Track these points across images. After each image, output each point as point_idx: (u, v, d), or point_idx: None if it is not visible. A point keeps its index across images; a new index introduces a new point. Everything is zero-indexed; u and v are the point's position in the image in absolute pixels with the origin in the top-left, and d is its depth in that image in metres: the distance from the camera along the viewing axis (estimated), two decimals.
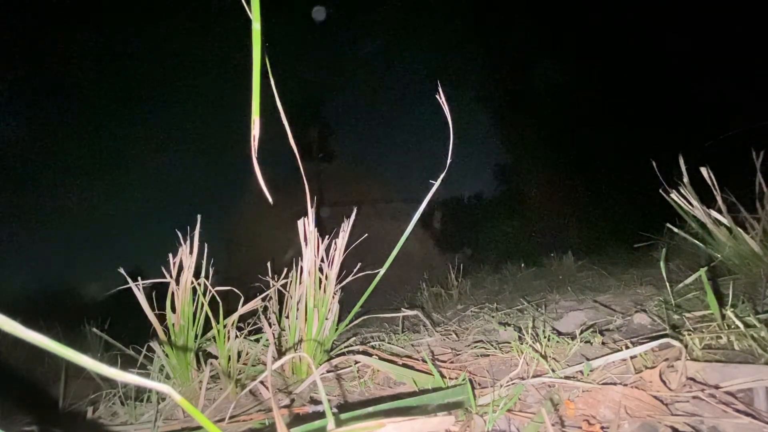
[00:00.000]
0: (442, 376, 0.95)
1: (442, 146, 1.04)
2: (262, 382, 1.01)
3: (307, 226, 1.20)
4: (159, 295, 1.21)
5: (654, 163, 1.95)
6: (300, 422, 0.64)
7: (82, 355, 0.31)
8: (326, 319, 1.22)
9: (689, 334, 0.97)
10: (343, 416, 0.67)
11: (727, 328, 0.96)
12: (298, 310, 1.19)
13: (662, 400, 0.73)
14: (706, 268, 1.05)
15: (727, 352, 0.89)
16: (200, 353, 1.21)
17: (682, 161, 1.80)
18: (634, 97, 6.71)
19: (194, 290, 1.21)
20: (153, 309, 1.18)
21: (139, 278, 1.21)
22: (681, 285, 1.46)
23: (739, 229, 1.64)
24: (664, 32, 6.38)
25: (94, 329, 1.51)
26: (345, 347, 1.32)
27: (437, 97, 0.96)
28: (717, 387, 0.73)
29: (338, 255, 1.29)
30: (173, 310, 1.18)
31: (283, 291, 1.31)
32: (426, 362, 1.03)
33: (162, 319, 1.17)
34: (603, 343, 1.11)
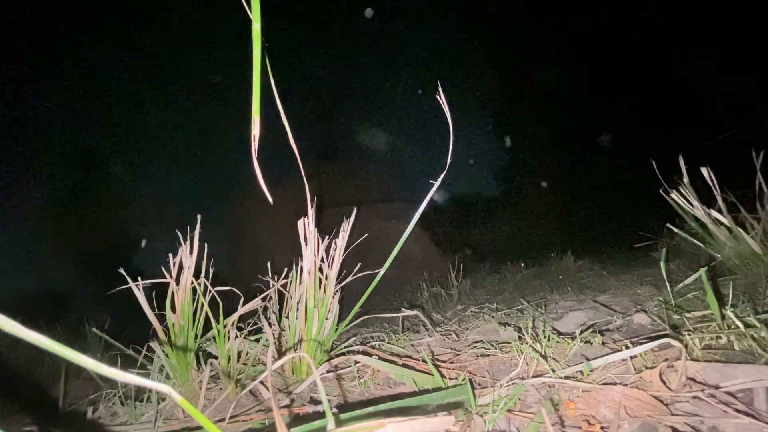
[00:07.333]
0: (442, 376, 0.95)
1: (442, 146, 1.04)
2: (262, 382, 1.01)
3: (307, 226, 1.20)
4: (159, 295, 1.21)
5: (654, 163, 1.95)
6: (300, 422, 0.64)
7: (82, 355, 0.31)
8: (326, 319, 1.22)
9: (689, 334, 0.97)
10: (343, 416, 0.67)
11: (727, 328, 0.96)
12: (298, 310, 1.19)
13: (662, 400, 0.73)
14: (706, 268, 1.05)
15: (727, 352, 0.89)
16: (200, 353, 1.21)
17: (682, 161, 1.80)
18: (634, 97, 6.71)
19: (194, 290, 1.21)
20: (153, 309, 1.18)
21: (139, 278, 1.21)
22: (681, 285, 1.46)
23: (739, 229, 1.64)
24: (664, 32, 6.37)
25: (94, 329, 1.50)
26: (345, 347, 1.32)
27: (438, 97, 0.96)
28: (717, 387, 0.73)
29: (338, 255, 1.29)
30: (173, 310, 1.18)
31: (283, 291, 1.31)
32: (426, 362, 1.03)
33: (162, 319, 1.17)
34: (603, 343, 1.11)
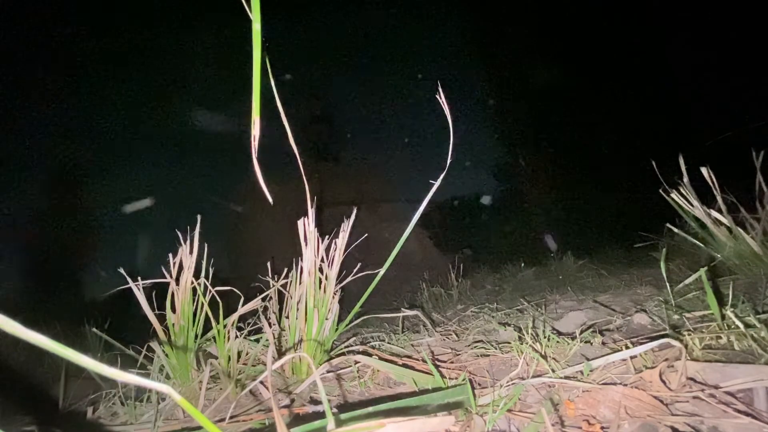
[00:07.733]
0: (442, 376, 0.95)
1: (442, 146, 1.04)
2: (262, 382, 1.01)
3: (307, 226, 1.20)
4: (159, 295, 1.21)
5: (654, 163, 1.95)
6: (300, 422, 0.64)
7: (82, 355, 0.31)
8: (326, 319, 1.22)
9: (689, 334, 0.97)
10: (343, 416, 0.67)
11: (727, 328, 0.96)
12: (298, 310, 1.19)
13: (662, 400, 0.73)
14: (706, 268, 1.05)
15: (727, 352, 0.89)
16: (200, 353, 1.21)
17: (682, 161, 1.80)
18: (634, 96, 6.71)
19: (194, 290, 1.21)
20: (153, 309, 1.18)
21: (139, 278, 1.21)
22: (681, 285, 1.46)
23: (739, 229, 1.64)
24: (663, 32, 6.38)
25: (94, 329, 1.51)
26: (345, 347, 1.32)
27: (437, 97, 0.96)
28: (717, 387, 0.73)
29: (338, 255, 1.29)
30: (173, 310, 1.18)
31: (283, 291, 1.31)
32: (426, 362, 1.03)
33: (162, 319, 1.17)
34: (603, 343, 1.11)
